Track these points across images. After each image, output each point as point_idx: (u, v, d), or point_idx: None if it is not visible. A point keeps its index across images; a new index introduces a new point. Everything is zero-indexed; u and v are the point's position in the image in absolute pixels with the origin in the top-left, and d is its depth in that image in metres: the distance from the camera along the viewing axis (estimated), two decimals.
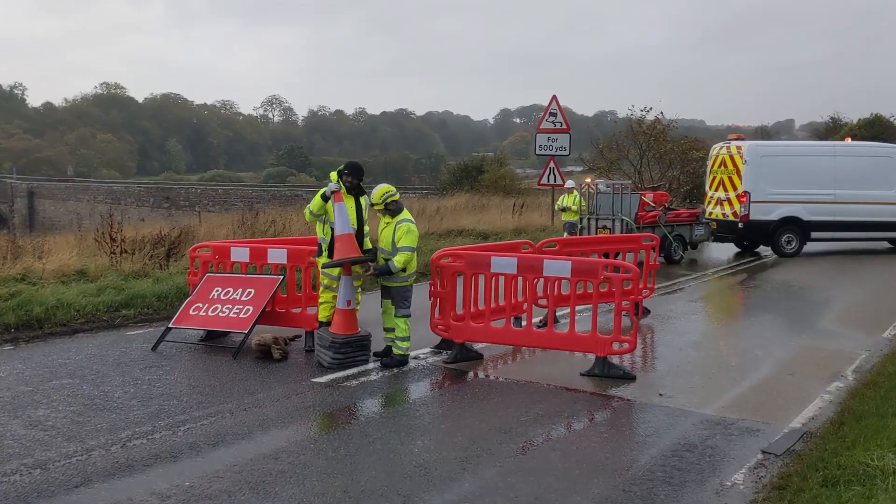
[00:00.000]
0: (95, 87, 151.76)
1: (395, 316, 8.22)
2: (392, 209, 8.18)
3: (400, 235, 8.05)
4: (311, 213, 8.51)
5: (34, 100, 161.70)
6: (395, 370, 8.11)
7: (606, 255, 10.65)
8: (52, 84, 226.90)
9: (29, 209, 67.78)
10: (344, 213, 8.25)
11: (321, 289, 8.77)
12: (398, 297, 8.23)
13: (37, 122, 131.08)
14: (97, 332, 9.86)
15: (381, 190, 8.20)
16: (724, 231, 19.62)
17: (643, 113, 30.95)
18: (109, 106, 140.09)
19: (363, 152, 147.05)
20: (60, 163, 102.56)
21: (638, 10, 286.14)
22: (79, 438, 5.94)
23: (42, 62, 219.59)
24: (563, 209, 18.07)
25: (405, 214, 8.23)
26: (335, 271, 8.38)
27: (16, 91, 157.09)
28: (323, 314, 8.75)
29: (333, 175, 8.47)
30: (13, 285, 10.74)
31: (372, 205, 8.32)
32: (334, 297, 8.45)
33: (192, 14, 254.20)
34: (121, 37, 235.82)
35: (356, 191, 8.51)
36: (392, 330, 8.34)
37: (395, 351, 8.30)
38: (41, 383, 7.43)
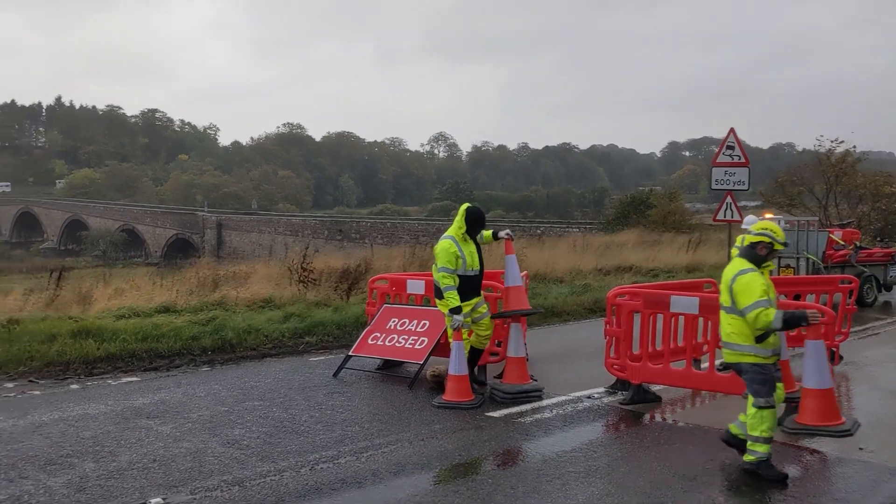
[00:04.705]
0: (278, 126, 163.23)
1: (753, 405, 6.10)
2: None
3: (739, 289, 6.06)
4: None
5: (225, 139, 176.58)
6: (570, 409, 7.98)
7: (797, 297, 10.01)
8: (255, 124, 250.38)
9: (217, 239, 73.43)
10: (514, 267, 8.58)
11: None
12: (750, 380, 6.15)
13: (226, 160, 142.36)
14: (283, 357, 10.44)
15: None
16: None
17: (833, 145, 29.15)
18: (290, 144, 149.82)
19: (525, 187, 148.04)
20: (246, 197, 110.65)
21: (854, 42, 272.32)
22: (271, 459, 6.27)
23: (250, 104, 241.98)
24: None
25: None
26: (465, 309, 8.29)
27: (209, 132, 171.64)
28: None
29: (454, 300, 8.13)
30: (211, 310, 11.62)
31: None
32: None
33: (398, 55, 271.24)
34: (329, 79, 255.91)
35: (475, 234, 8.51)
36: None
37: (745, 457, 6.15)
38: (235, 404, 7.93)
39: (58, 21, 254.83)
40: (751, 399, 6.12)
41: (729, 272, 6.20)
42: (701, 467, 6.25)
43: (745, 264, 6.16)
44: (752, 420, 6.07)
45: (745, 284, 6.01)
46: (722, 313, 6.27)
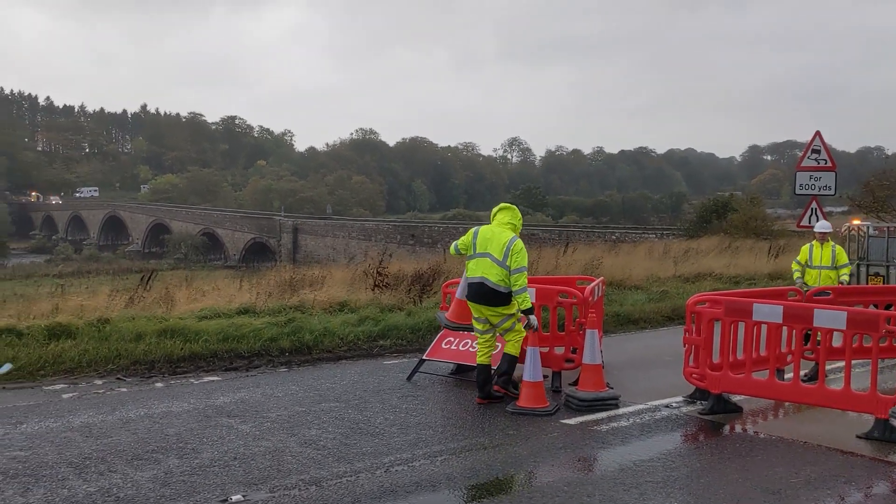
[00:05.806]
0: (351, 133, 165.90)
1: None
2: None
3: None
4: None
5: (300, 145, 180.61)
6: (647, 418, 7.82)
7: (889, 307, 9.58)
8: (330, 130, 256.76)
9: (293, 243, 74.96)
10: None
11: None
12: None
13: (301, 166, 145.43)
14: (358, 359, 10.56)
15: None
16: None
17: None
18: (364, 150, 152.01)
19: (599, 191, 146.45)
20: (321, 202, 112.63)
21: None
22: (347, 460, 6.35)
23: (326, 110, 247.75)
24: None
25: None
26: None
27: (286, 137, 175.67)
28: (481, 358, 8.39)
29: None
30: (289, 313, 11.86)
31: None
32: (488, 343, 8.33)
33: (472, 60, 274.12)
34: (403, 84, 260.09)
35: None
36: None
37: None
38: (312, 405, 8.06)
39: (148, 32, 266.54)
40: None
41: None
42: (785, 481, 6.04)
43: None
44: None
45: None
46: None
